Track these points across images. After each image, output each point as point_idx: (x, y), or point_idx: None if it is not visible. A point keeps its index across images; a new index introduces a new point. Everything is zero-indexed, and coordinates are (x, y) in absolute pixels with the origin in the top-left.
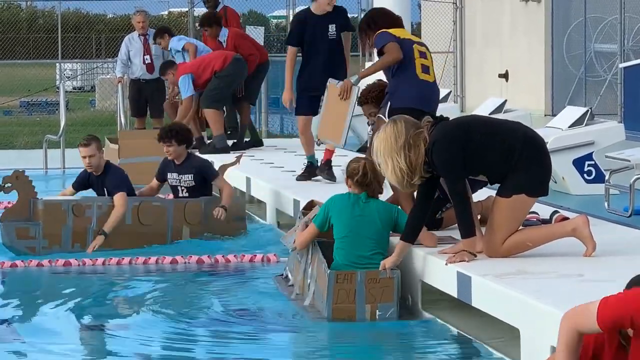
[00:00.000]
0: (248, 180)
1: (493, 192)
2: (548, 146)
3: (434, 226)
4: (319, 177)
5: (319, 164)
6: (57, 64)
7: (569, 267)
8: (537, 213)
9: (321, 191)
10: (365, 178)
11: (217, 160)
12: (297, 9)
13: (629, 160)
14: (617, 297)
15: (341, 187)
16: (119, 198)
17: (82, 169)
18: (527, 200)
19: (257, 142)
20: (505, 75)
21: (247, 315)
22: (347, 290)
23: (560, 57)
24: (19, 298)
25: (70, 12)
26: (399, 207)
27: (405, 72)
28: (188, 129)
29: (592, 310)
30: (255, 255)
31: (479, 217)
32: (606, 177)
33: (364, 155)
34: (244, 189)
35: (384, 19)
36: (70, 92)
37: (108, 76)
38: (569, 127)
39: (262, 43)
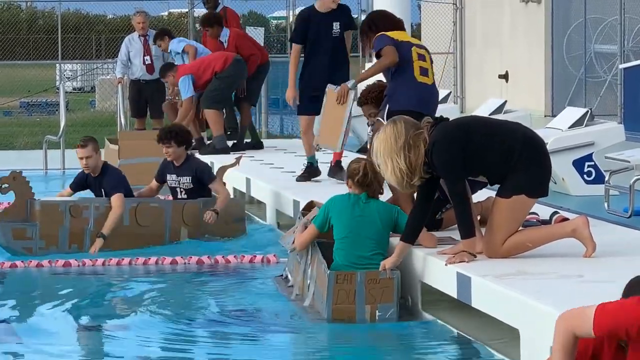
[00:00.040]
0: (248, 181)
1: (493, 193)
2: (548, 147)
3: (434, 227)
4: (319, 178)
5: (330, 165)
6: (57, 65)
7: (568, 268)
8: (537, 214)
9: (321, 192)
10: (366, 178)
11: (217, 161)
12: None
13: (629, 161)
14: (613, 307)
15: (341, 188)
16: (116, 199)
17: (81, 170)
18: (526, 201)
19: (257, 144)
20: (505, 76)
21: (247, 315)
22: (347, 290)
23: (560, 57)
24: (18, 298)
25: (70, 13)
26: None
27: (403, 74)
28: (187, 131)
29: (588, 316)
30: (255, 256)
31: (478, 217)
32: (606, 178)
33: (364, 156)
34: (243, 190)
35: (385, 21)
36: (70, 92)
37: (108, 77)
38: (569, 127)
39: (262, 44)
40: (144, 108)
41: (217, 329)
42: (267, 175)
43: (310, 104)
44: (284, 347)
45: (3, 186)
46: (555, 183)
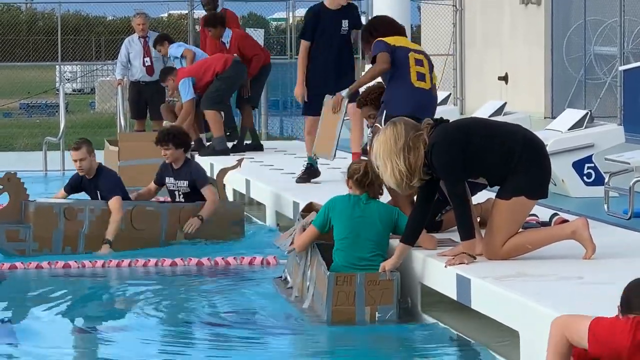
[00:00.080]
0: (247, 182)
1: (492, 195)
2: (548, 149)
3: (434, 229)
4: (319, 179)
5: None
6: (57, 66)
7: (568, 270)
8: (536, 215)
9: (320, 193)
10: (366, 177)
11: (216, 162)
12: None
13: (629, 163)
14: (606, 328)
15: (341, 190)
16: (114, 203)
17: (76, 172)
18: (526, 202)
19: (257, 146)
20: (504, 78)
21: (246, 317)
22: (347, 292)
23: (560, 59)
24: (17, 300)
25: (70, 14)
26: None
27: (400, 80)
28: (186, 133)
29: (582, 330)
30: (255, 258)
31: (478, 219)
32: (606, 180)
33: (365, 158)
34: (243, 191)
35: (386, 27)
36: (70, 94)
37: (108, 78)
38: (569, 129)
39: (262, 45)
40: (144, 110)
41: (217, 330)
42: (267, 177)
43: (316, 105)
44: (283, 349)
45: None
46: (555, 185)
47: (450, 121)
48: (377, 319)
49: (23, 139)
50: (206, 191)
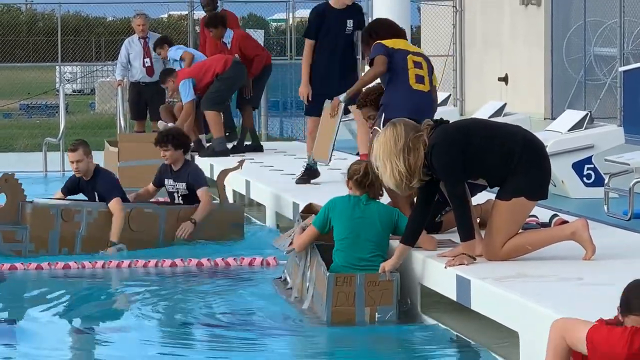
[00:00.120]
0: (247, 183)
1: (492, 196)
2: (547, 150)
3: (434, 229)
4: (318, 180)
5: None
6: (57, 67)
7: (568, 271)
8: (536, 216)
9: (320, 194)
10: (366, 178)
11: (216, 163)
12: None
13: (629, 164)
14: (603, 337)
15: (341, 191)
16: (115, 204)
17: (73, 174)
18: (526, 203)
19: (257, 147)
20: (504, 79)
21: (246, 318)
22: (347, 293)
23: (560, 60)
24: (16, 301)
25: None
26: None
27: (398, 82)
28: (185, 134)
29: (581, 337)
30: (255, 259)
31: (478, 220)
32: (605, 181)
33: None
34: (243, 192)
35: (386, 30)
36: (70, 95)
37: (108, 79)
38: (569, 130)
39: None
40: (144, 110)
41: (216, 331)
42: (267, 178)
43: (319, 105)
44: (282, 350)
45: None
46: (555, 186)
47: (450, 122)
48: (376, 319)
49: (23, 140)
50: (201, 193)
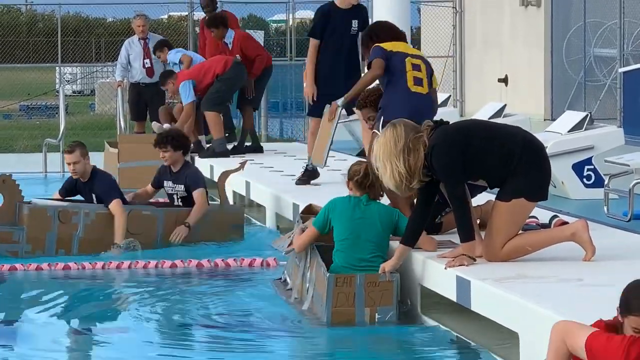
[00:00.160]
0: (247, 184)
1: (492, 197)
2: (547, 151)
3: (434, 230)
4: (318, 181)
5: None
6: (57, 68)
7: (568, 272)
8: (536, 217)
9: (320, 195)
10: (367, 179)
11: (216, 164)
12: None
13: (628, 165)
14: (601, 346)
15: (340, 192)
16: (115, 206)
17: (70, 175)
18: (526, 204)
19: (257, 148)
20: (504, 80)
21: (245, 319)
22: (347, 293)
23: (560, 61)
24: (14, 302)
25: (70, 16)
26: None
27: (396, 85)
28: (185, 135)
29: (580, 343)
30: (255, 260)
31: (478, 221)
32: (605, 182)
33: (364, 160)
34: (243, 193)
35: (386, 32)
36: (70, 95)
37: (108, 80)
38: (569, 131)
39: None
40: (144, 111)
41: (216, 332)
42: (267, 179)
43: (322, 106)
44: (282, 351)
45: None
46: (555, 187)
47: (450, 123)
48: (376, 320)
49: (23, 141)
50: (196, 195)
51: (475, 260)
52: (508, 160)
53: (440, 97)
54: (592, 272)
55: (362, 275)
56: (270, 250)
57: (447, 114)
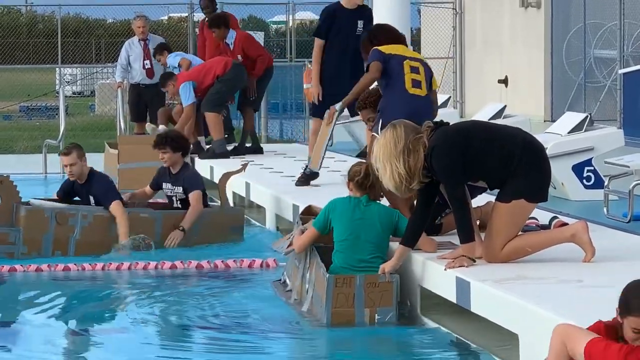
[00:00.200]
0: (247, 185)
1: (492, 198)
2: (547, 152)
3: (434, 231)
4: (318, 182)
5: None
6: (57, 69)
7: (568, 273)
8: (536, 218)
9: (320, 196)
10: (367, 180)
11: (216, 165)
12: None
13: (628, 166)
14: (600, 351)
15: (340, 193)
16: (116, 208)
17: (67, 177)
18: (526, 205)
19: (257, 149)
20: (504, 81)
21: (245, 320)
22: (346, 294)
23: (560, 62)
24: (13, 303)
25: (70, 17)
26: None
27: (394, 87)
28: (184, 137)
29: (579, 349)
30: (254, 261)
31: (478, 222)
32: (605, 183)
33: (364, 160)
34: (243, 194)
35: (386, 35)
36: (70, 96)
37: (108, 81)
38: (569, 132)
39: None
40: (144, 112)
41: (215, 334)
42: (267, 180)
43: (327, 108)
44: (281, 352)
45: None
46: (555, 188)
47: (450, 124)
48: (376, 321)
49: (23, 142)
50: (192, 197)
51: (475, 261)
52: (508, 162)
53: (440, 98)
54: (592, 273)
55: (362, 276)
56: (270, 251)
57: (447, 115)
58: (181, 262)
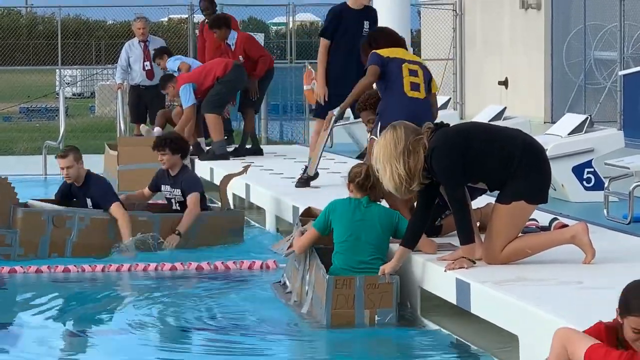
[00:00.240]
0: (247, 186)
1: (492, 199)
2: (547, 153)
3: (434, 233)
4: (318, 183)
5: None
6: (57, 70)
7: (568, 274)
8: (536, 220)
9: (320, 198)
10: (368, 181)
11: (216, 167)
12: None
13: (628, 168)
14: (603, 358)
15: (340, 194)
16: (116, 209)
17: (64, 180)
18: (526, 207)
19: (257, 150)
20: (504, 83)
21: (244, 322)
22: (346, 295)
23: (560, 64)
24: (13, 304)
25: (70, 19)
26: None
27: (393, 90)
28: (183, 139)
29: (580, 354)
30: (254, 262)
31: (478, 224)
32: (605, 185)
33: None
34: (243, 196)
35: (386, 38)
36: (70, 98)
37: (108, 82)
38: (569, 134)
39: None
40: (144, 114)
41: (214, 335)
42: (267, 181)
43: (331, 109)
44: (281, 354)
45: None
46: (555, 189)
47: (450, 126)
48: (376, 322)
49: (23, 143)
50: (189, 200)
51: (475, 262)
52: (508, 163)
53: (440, 99)
54: (592, 274)
55: (362, 277)
56: (270, 253)
57: (447, 116)
58: (181, 263)
